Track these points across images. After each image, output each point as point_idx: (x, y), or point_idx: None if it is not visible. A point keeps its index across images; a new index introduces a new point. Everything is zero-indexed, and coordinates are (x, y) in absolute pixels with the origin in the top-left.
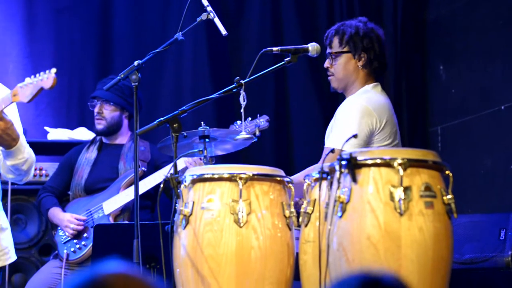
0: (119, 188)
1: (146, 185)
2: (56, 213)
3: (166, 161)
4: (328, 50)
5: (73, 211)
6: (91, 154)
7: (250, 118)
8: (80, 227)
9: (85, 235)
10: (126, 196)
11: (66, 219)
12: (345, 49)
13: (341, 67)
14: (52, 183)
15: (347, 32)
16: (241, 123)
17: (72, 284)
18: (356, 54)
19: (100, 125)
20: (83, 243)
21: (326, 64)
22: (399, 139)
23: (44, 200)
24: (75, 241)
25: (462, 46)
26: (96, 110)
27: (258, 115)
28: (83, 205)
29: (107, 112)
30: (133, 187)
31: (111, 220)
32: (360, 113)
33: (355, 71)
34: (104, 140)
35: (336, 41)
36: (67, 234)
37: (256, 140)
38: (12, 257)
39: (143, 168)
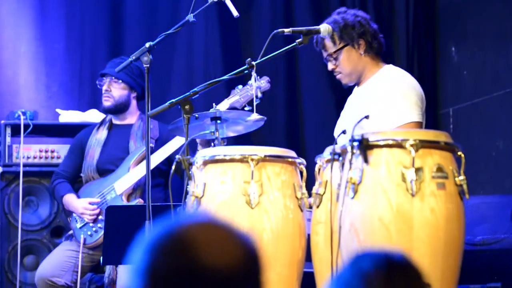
0: (129, 166)
1: (154, 160)
2: (71, 201)
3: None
4: (325, 54)
5: (87, 194)
6: (101, 134)
7: (250, 82)
8: (97, 211)
9: (100, 217)
10: (136, 173)
11: (82, 206)
12: (341, 45)
13: (346, 61)
14: (64, 167)
15: (336, 28)
16: (242, 87)
17: (152, 238)
18: (354, 44)
19: (107, 102)
20: (98, 225)
21: (331, 66)
22: None
23: (58, 187)
24: (91, 224)
25: (474, 28)
26: (104, 87)
27: (258, 77)
28: (96, 188)
29: (115, 90)
30: (142, 164)
31: (124, 200)
32: (416, 86)
33: (360, 60)
34: (113, 121)
35: (328, 42)
36: (86, 220)
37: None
38: None
39: (151, 145)
